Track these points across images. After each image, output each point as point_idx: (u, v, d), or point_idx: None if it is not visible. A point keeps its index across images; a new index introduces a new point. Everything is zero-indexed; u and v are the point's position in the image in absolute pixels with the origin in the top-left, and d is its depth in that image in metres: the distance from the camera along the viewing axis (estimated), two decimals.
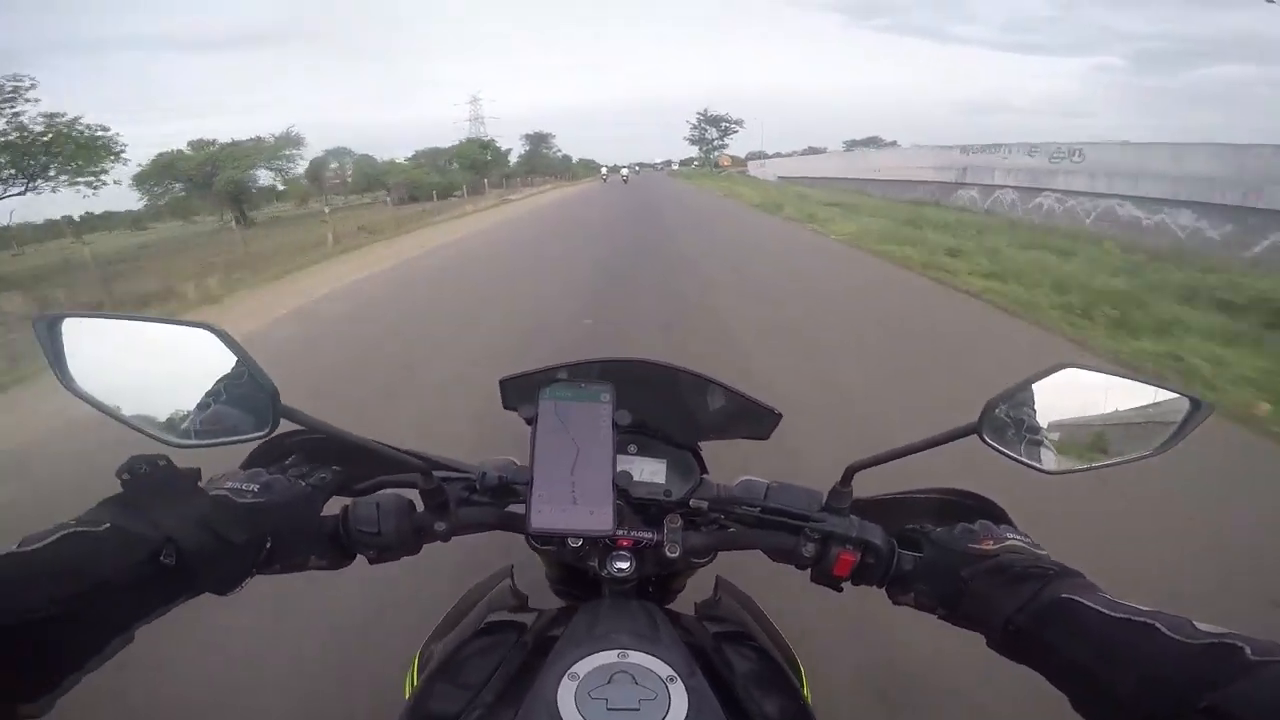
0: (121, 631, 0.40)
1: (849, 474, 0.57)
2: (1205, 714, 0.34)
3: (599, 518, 0.53)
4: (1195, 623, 0.39)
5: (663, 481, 0.65)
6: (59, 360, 0.43)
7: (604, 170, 53.65)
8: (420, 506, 0.58)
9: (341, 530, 0.55)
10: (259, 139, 35.27)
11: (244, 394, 0.44)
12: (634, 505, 0.62)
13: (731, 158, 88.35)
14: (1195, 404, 0.49)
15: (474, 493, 0.60)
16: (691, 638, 0.60)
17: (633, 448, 0.66)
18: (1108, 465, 0.51)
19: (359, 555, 0.57)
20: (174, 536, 0.42)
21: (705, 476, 0.67)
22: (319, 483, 0.56)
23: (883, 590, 0.57)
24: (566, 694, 0.42)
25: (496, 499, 0.60)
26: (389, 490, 0.59)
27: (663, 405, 0.66)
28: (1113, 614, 0.41)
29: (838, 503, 0.58)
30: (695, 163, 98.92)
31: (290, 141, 36.29)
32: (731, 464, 0.77)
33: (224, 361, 0.43)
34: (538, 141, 66.38)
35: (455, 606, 0.75)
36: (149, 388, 0.44)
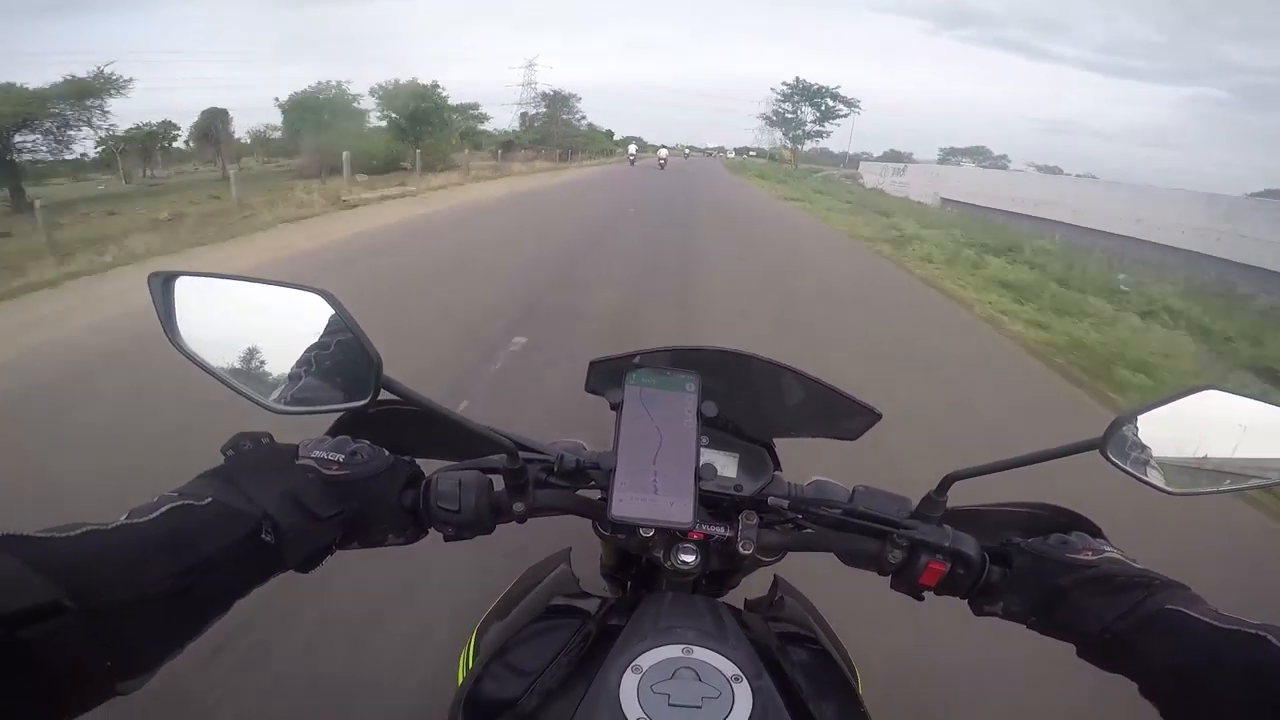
0: (221, 608, 0.41)
1: (946, 483, 0.55)
2: None
3: (679, 509, 0.52)
4: None
5: (734, 476, 0.63)
6: (169, 318, 0.43)
7: (631, 150, 42.15)
8: (498, 485, 0.57)
9: (421, 505, 0.55)
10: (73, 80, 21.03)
11: (345, 360, 0.44)
12: (704, 499, 0.61)
13: (792, 151, 72.00)
14: None
15: (551, 474, 0.59)
16: (755, 636, 0.58)
17: (705, 440, 0.63)
18: (1234, 490, 0.49)
19: (434, 531, 0.57)
20: (271, 513, 0.43)
21: (778, 474, 0.65)
22: (402, 456, 0.56)
23: (964, 601, 0.56)
24: (629, 686, 0.42)
25: (572, 482, 0.59)
26: (470, 467, 0.58)
27: (741, 397, 0.64)
28: (1222, 625, 0.41)
29: (930, 510, 0.56)
30: (752, 152, 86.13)
31: (96, 87, 21.38)
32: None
33: (332, 327, 0.43)
34: (557, 104, 50.74)
35: (513, 587, 0.75)
36: (255, 350, 0.45)
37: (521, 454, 0.57)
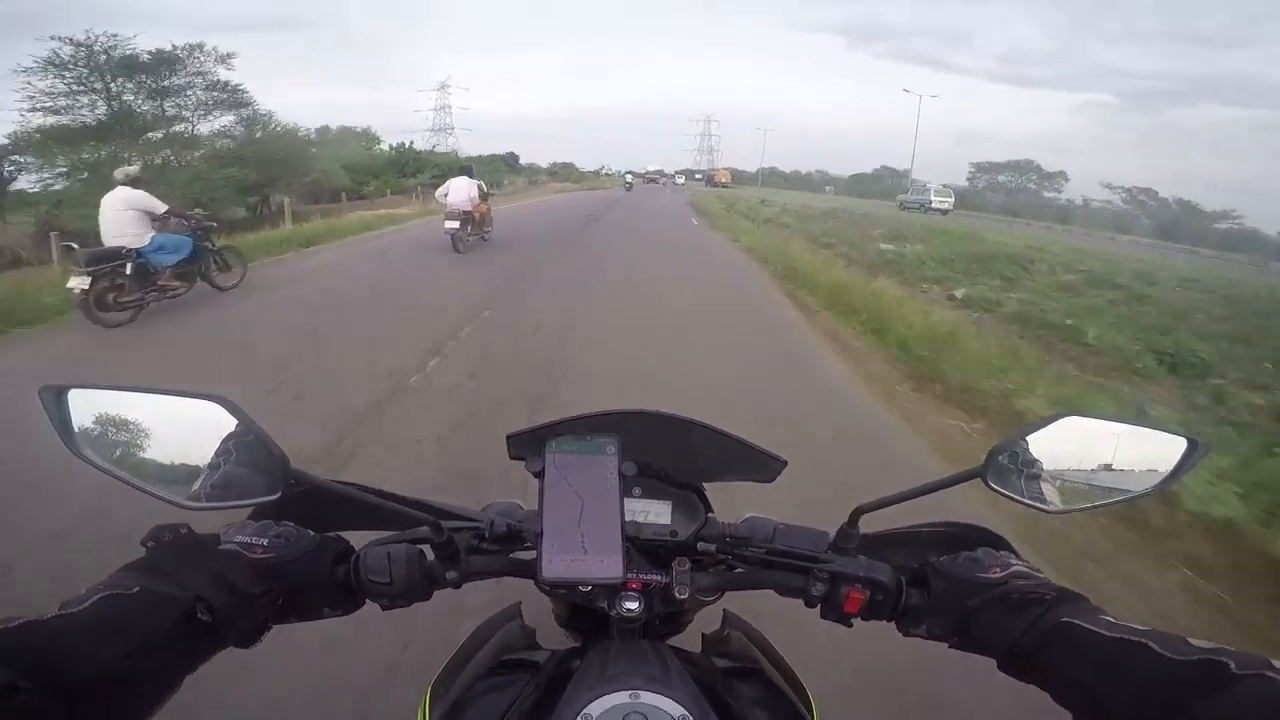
0: (171, 685, 0.42)
1: (855, 516, 0.58)
2: None
3: (609, 566, 0.53)
4: (1189, 639, 0.40)
5: (668, 522, 0.65)
6: (66, 429, 0.43)
7: (628, 177, 43.72)
8: (430, 555, 0.58)
9: (353, 579, 0.56)
10: None
11: (254, 457, 0.45)
12: (641, 547, 0.63)
13: (729, 171, 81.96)
14: (1193, 444, 0.51)
15: (483, 540, 0.60)
16: (702, 675, 0.60)
17: (637, 490, 0.66)
18: (1110, 504, 0.52)
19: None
20: (202, 594, 0.44)
21: (710, 515, 0.67)
22: (328, 539, 0.57)
23: (891, 623, 0.58)
24: None
25: (505, 546, 0.61)
26: (399, 541, 0.59)
27: (667, 449, 0.66)
28: (1109, 634, 0.43)
29: (845, 543, 0.59)
30: (697, 175, 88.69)
31: None
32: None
33: (235, 429, 0.44)
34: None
35: (464, 644, 0.75)
36: (160, 455, 0.45)
37: (450, 523, 0.58)
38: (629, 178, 43.10)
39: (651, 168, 75.81)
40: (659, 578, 0.60)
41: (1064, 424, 0.49)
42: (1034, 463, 0.50)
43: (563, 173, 61.35)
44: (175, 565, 0.44)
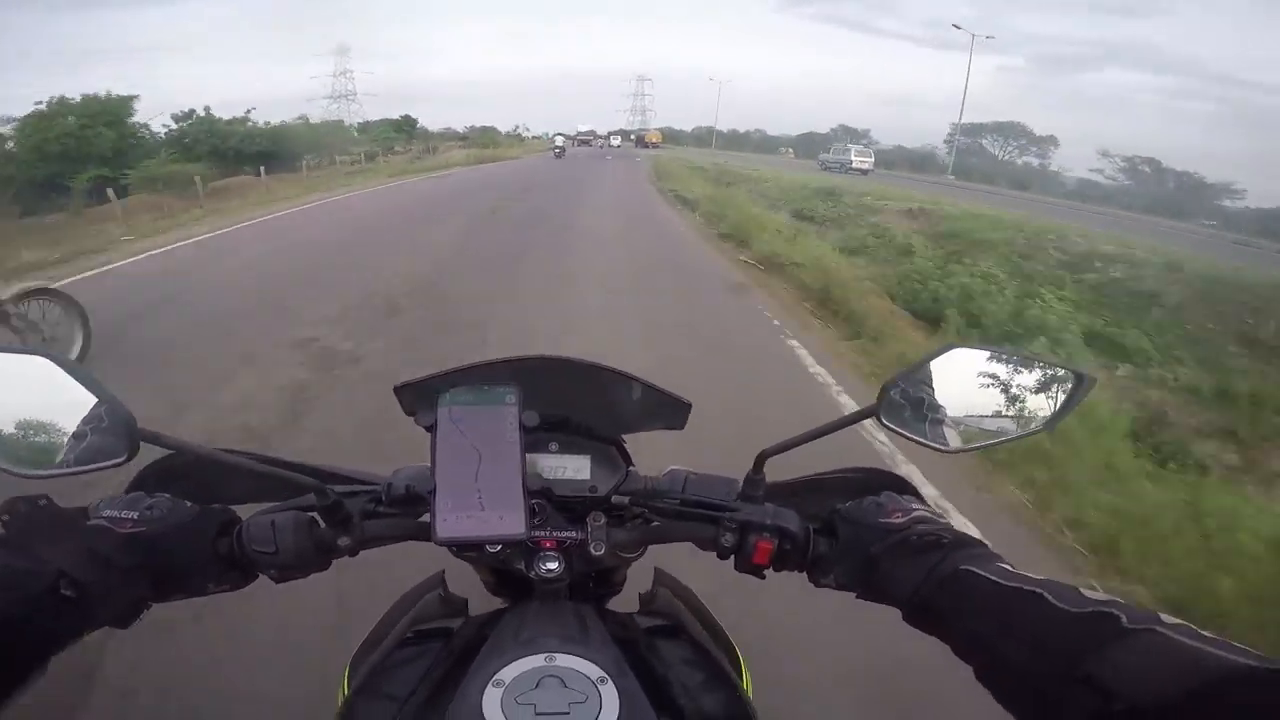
0: (37, 665, 0.40)
1: (760, 461, 0.57)
2: (1083, 682, 0.35)
3: (509, 522, 0.51)
4: (1082, 590, 0.40)
5: (587, 478, 0.64)
6: None
7: (558, 141, 37.02)
8: (322, 522, 0.55)
9: (237, 550, 0.53)
10: None
11: (100, 419, 0.41)
12: (558, 504, 0.61)
13: (659, 132, 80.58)
14: (1079, 378, 0.51)
15: (380, 504, 0.57)
16: (625, 635, 0.60)
17: (554, 445, 0.64)
18: (1003, 442, 0.52)
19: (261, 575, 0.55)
20: (66, 570, 0.41)
21: (631, 469, 0.66)
22: (209, 509, 0.54)
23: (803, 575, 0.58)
24: (492, 701, 0.41)
25: (406, 509, 0.58)
26: (286, 508, 0.56)
27: (580, 400, 0.64)
28: (1006, 583, 0.42)
29: (752, 490, 0.58)
30: (632, 136, 78.63)
31: None
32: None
33: (72, 387, 0.40)
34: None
35: (385, 615, 0.73)
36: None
37: (343, 487, 0.56)
38: (559, 141, 35.04)
39: (584, 128, 66.60)
40: (574, 534, 0.59)
41: (951, 356, 0.48)
42: (926, 399, 0.50)
43: (477, 138, 52.74)
44: (34, 539, 0.42)
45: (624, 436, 0.68)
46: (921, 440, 0.51)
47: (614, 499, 0.61)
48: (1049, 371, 0.51)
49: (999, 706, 0.40)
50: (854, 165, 33.89)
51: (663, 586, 0.74)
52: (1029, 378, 0.51)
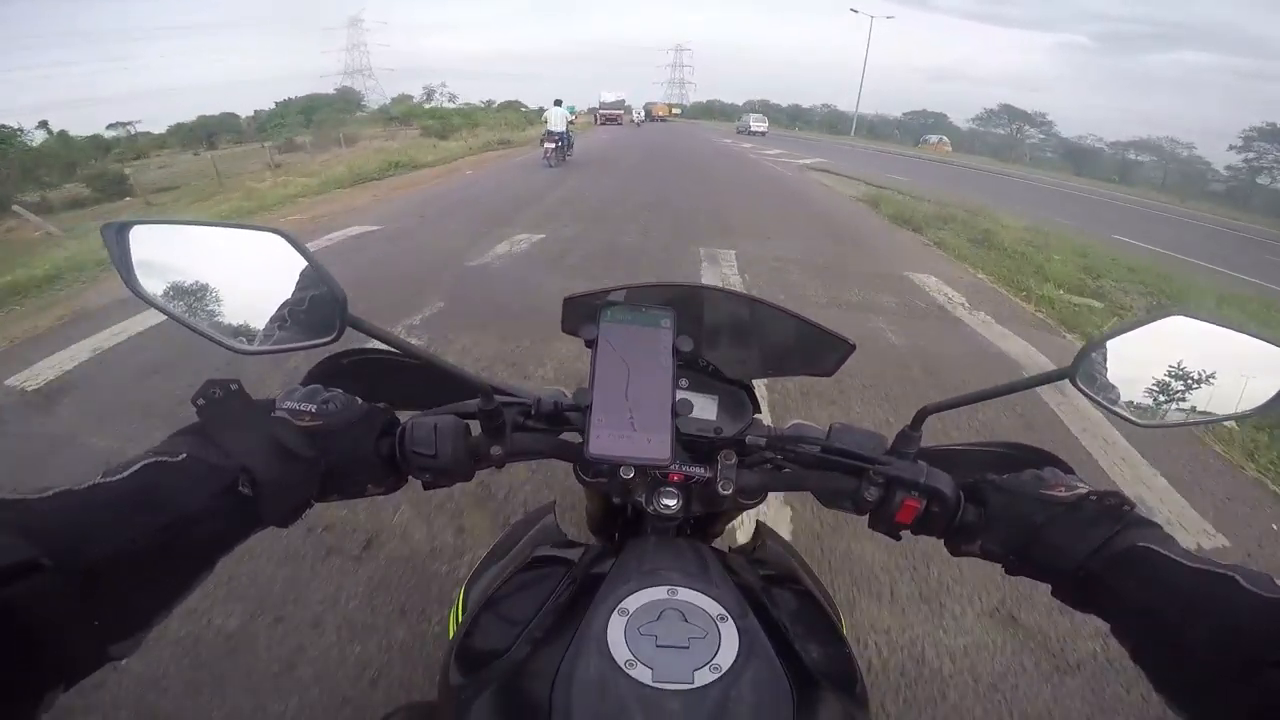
0: (205, 565, 0.40)
1: (920, 417, 0.54)
2: (1275, 666, 0.33)
3: (657, 446, 0.51)
4: (1277, 578, 0.37)
5: (713, 418, 0.63)
6: (126, 266, 0.42)
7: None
8: (475, 431, 0.57)
9: (397, 452, 0.55)
10: None
11: (311, 300, 0.43)
12: (684, 442, 0.61)
13: (667, 106, 75.32)
14: None
15: (529, 418, 0.58)
16: (739, 578, 0.59)
17: (684, 382, 0.62)
18: (1207, 421, 0.48)
19: (412, 479, 0.57)
20: (248, 465, 0.42)
21: (758, 416, 0.65)
22: (376, 407, 0.55)
23: (940, 540, 0.56)
24: (617, 629, 0.42)
25: (551, 426, 0.59)
26: (446, 413, 0.57)
27: (721, 336, 0.63)
28: (1192, 564, 0.40)
29: (906, 447, 0.56)
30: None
31: None
32: None
33: (293, 267, 0.42)
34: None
35: (498, 542, 0.76)
36: (216, 293, 0.44)
37: (497, 397, 0.57)
38: (556, 124, 13.06)
39: (609, 97, 47.57)
40: (702, 472, 0.59)
41: (1169, 323, 0.44)
42: (1130, 366, 0.46)
43: (425, 113, 38.71)
44: (226, 431, 0.43)
45: (755, 382, 0.66)
46: (1115, 409, 0.47)
47: (748, 440, 0.60)
48: (1276, 351, 0.46)
49: None
50: (752, 129, 43.46)
51: (768, 539, 0.73)
52: (1250, 355, 0.45)
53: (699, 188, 10.99)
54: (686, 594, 0.46)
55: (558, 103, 13.23)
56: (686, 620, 0.43)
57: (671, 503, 0.59)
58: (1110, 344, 0.46)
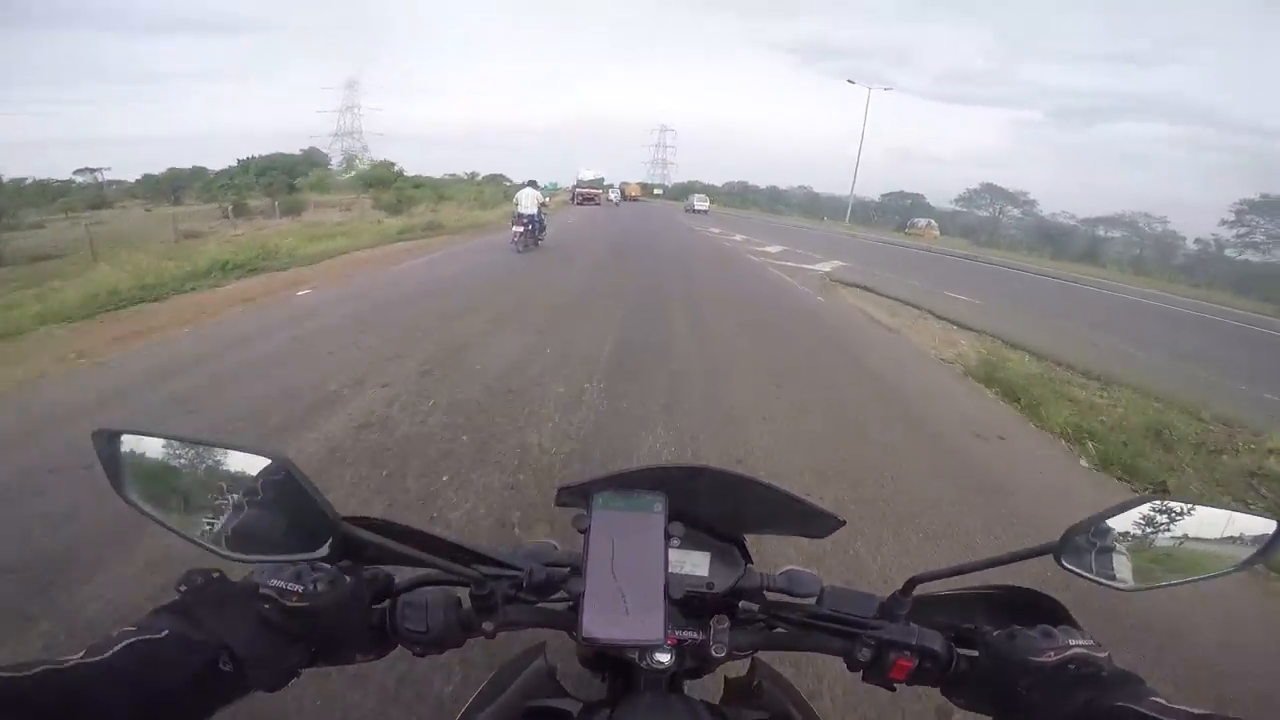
0: None
1: (910, 585, 0.56)
2: None
3: (649, 627, 0.52)
4: None
5: (706, 574, 0.64)
6: (115, 472, 0.43)
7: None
8: (466, 602, 0.57)
9: (388, 625, 0.55)
10: None
11: (301, 510, 0.43)
12: (677, 601, 0.61)
13: (641, 185, 70.24)
14: None
15: (520, 590, 0.59)
16: None
17: (675, 541, 0.64)
18: (1189, 581, 0.50)
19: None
20: (229, 644, 0.44)
21: (749, 566, 0.66)
22: (364, 580, 0.55)
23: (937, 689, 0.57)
24: None
25: (542, 594, 0.60)
26: (436, 586, 0.58)
27: (713, 503, 0.65)
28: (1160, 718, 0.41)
29: (896, 609, 0.57)
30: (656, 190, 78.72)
31: None
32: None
33: (285, 483, 0.42)
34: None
35: (486, 686, 0.73)
36: (205, 502, 0.44)
37: (487, 569, 0.57)
38: (525, 200, 12.16)
39: (588, 174, 43.09)
40: (695, 635, 0.59)
41: (1147, 507, 0.47)
42: (1110, 541, 0.48)
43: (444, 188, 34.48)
44: (208, 610, 0.44)
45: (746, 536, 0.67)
46: (1101, 581, 0.49)
47: (741, 605, 0.61)
48: (1248, 520, 0.49)
49: None
50: (696, 208, 45.48)
51: (764, 679, 0.72)
52: (1224, 525, 0.48)
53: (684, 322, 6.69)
54: None
55: (532, 183, 12.75)
56: None
57: (665, 658, 0.59)
58: (1094, 525, 0.49)
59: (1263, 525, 0.49)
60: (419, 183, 31.48)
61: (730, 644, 0.58)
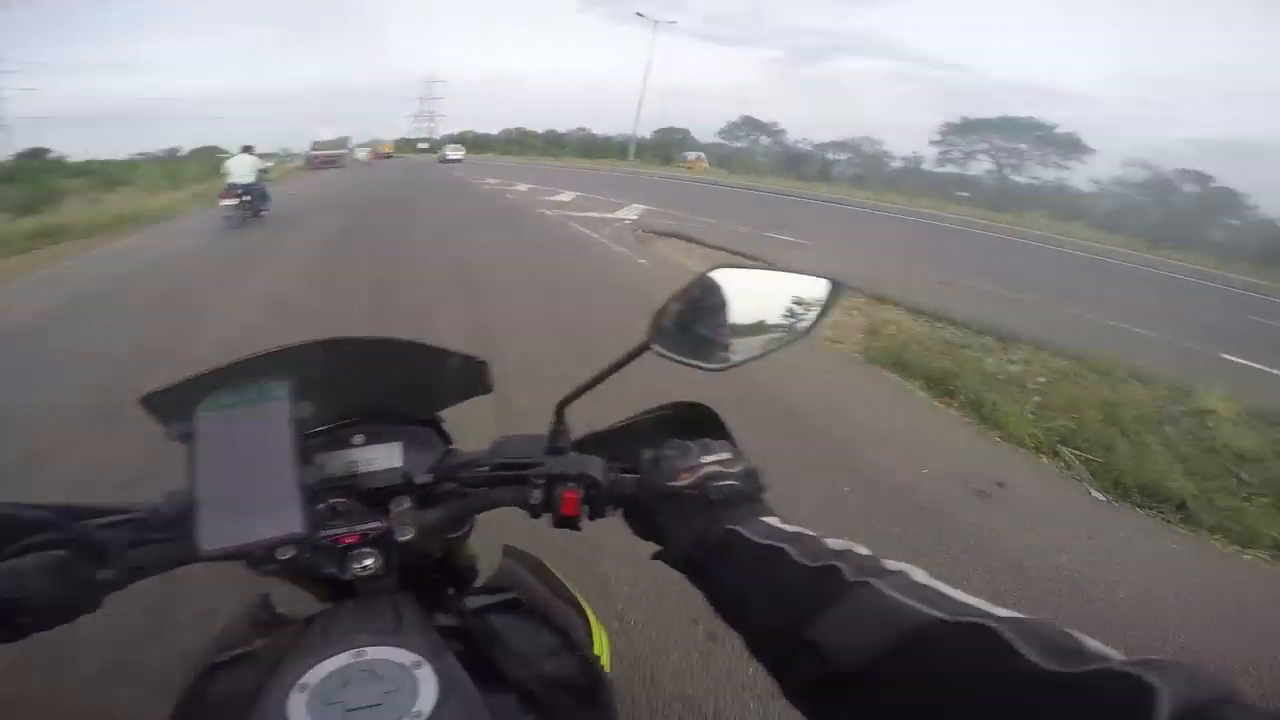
0: None
1: (560, 410, 0.57)
2: (807, 646, 0.34)
3: (284, 520, 0.48)
4: (827, 540, 0.40)
5: (400, 464, 0.60)
6: None
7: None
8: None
9: None
10: None
11: None
12: (369, 497, 0.58)
13: (404, 142, 66.58)
14: (835, 284, 0.56)
15: (148, 529, 0.50)
16: (451, 619, 0.58)
17: (359, 438, 0.61)
18: (768, 353, 0.55)
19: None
20: None
21: (451, 447, 0.64)
22: None
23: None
24: (297, 706, 0.40)
25: (179, 532, 0.51)
26: (30, 549, 0.47)
27: (376, 383, 0.61)
28: (760, 541, 0.42)
29: (556, 442, 0.58)
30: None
31: None
32: None
33: None
34: None
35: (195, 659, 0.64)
36: None
37: (101, 520, 0.49)
38: (236, 169, 10.22)
39: (326, 135, 35.39)
40: (378, 524, 0.56)
41: (715, 277, 0.51)
42: (696, 323, 0.52)
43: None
44: None
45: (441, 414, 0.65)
46: (692, 363, 0.52)
47: (418, 479, 0.59)
48: (806, 280, 0.55)
49: None
50: (449, 157, 42.59)
51: (511, 561, 0.72)
52: (788, 288, 0.55)
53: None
54: (376, 651, 0.44)
55: (247, 149, 10.59)
56: (379, 677, 0.42)
57: (370, 562, 0.55)
58: (675, 308, 0.52)
59: (821, 285, 0.56)
60: (84, 169, 24.92)
61: (419, 524, 0.56)
